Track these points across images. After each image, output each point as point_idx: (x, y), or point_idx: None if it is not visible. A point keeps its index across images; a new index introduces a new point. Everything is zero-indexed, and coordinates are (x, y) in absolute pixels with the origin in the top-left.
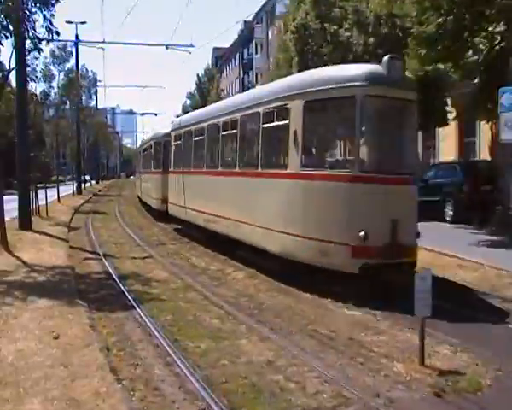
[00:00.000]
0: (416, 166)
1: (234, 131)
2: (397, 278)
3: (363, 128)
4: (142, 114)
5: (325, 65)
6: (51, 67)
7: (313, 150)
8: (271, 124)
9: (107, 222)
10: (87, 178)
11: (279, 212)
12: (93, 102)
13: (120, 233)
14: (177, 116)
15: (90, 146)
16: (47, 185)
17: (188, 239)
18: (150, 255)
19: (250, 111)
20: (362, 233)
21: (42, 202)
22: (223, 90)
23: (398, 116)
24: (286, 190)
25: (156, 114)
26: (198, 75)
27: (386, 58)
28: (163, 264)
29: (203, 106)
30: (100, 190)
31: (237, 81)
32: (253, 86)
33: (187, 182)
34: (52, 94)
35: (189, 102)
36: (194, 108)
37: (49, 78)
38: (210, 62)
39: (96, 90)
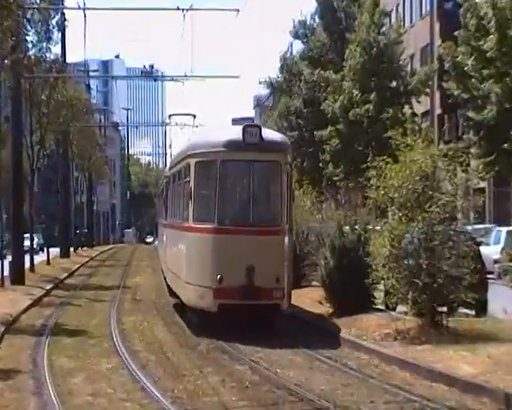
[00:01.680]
0: (284, 218)
1: (171, 184)
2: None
3: (223, 187)
4: (173, 79)
5: None
6: None
7: (201, 205)
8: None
9: (87, 354)
10: (37, 240)
11: (184, 263)
12: (53, 48)
13: (122, 389)
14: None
15: (46, 158)
16: None
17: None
18: None
19: (179, 165)
20: (218, 276)
21: None
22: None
23: (259, 175)
24: (186, 242)
25: (193, 119)
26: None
27: (242, 126)
28: None
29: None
30: (72, 273)
31: None
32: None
33: (165, 235)
34: None
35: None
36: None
37: None
38: None
39: (64, 21)
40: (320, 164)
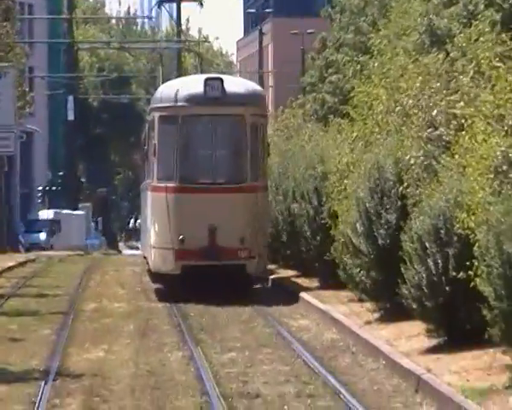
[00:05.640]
0: (249, 174)
1: (148, 135)
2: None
3: (184, 143)
4: None
5: None
6: None
7: (164, 163)
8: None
9: None
10: None
11: (150, 225)
12: None
13: None
14: None
15: None
16: None
17: None
18: None
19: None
20: (180, 237)
21: None
22: None
23: (222, 130)
24: (150, 203)
25: None
26: None
27: (203, 79)
28: None
29: None
30: None
31: None
32: None
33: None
34: None
35: None
36: None
37: None
38: None
39: None
40: None
